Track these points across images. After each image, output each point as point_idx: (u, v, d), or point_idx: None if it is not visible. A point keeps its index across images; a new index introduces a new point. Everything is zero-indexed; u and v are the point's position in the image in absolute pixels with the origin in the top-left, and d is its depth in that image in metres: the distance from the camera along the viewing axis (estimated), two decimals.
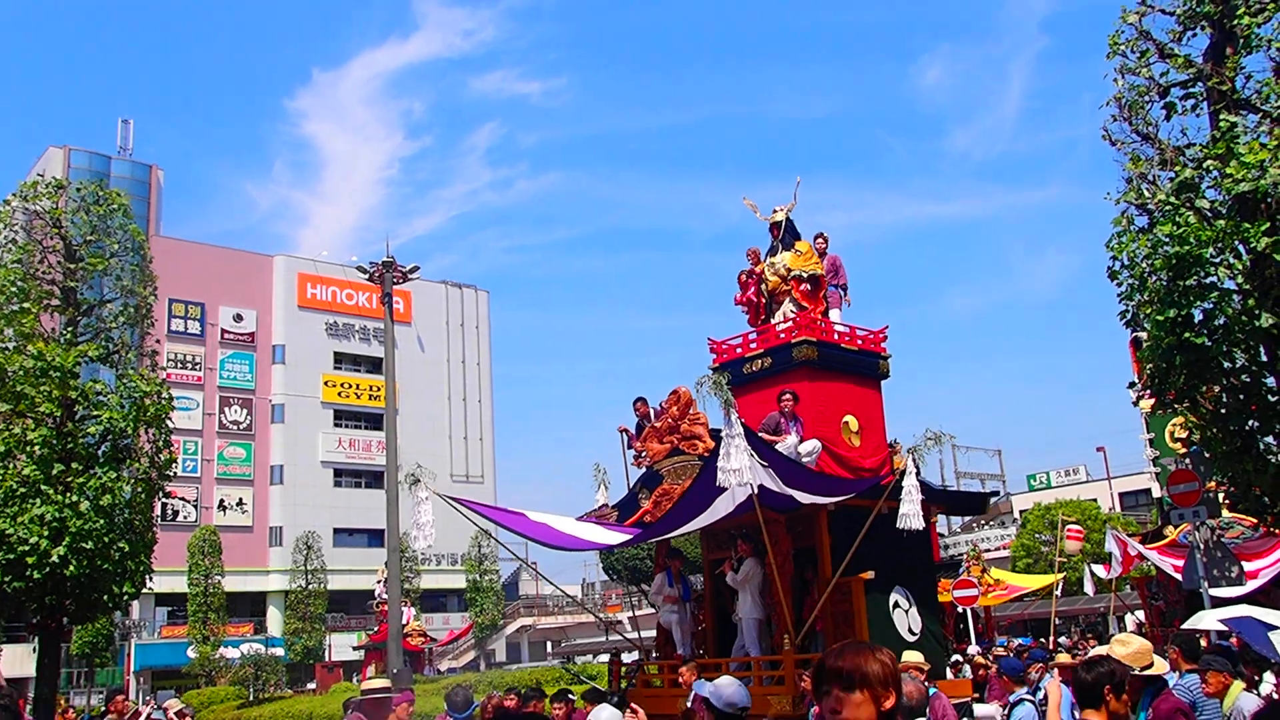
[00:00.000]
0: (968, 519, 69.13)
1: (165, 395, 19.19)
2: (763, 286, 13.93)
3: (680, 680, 10.12)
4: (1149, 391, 13.40)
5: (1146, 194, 12.08)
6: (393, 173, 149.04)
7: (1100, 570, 23.52)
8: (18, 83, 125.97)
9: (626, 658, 15.07)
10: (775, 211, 14.18)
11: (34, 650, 21.52)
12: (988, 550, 44.75)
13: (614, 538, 12.90)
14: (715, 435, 11.14)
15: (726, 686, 5.64)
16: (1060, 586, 26.09)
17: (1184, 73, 12.35)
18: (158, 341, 23.46)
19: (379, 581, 38.32)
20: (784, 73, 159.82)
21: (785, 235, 13.93)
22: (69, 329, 19.14)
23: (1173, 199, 11.52)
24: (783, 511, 11.57)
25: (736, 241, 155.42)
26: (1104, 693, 4.52)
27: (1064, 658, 11.29)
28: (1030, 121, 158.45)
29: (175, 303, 59.35)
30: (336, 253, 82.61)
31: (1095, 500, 51.61)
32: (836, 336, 13.40)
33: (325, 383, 65.98)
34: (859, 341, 13.63)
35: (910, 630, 12.18)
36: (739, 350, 13.57)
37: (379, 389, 62.77)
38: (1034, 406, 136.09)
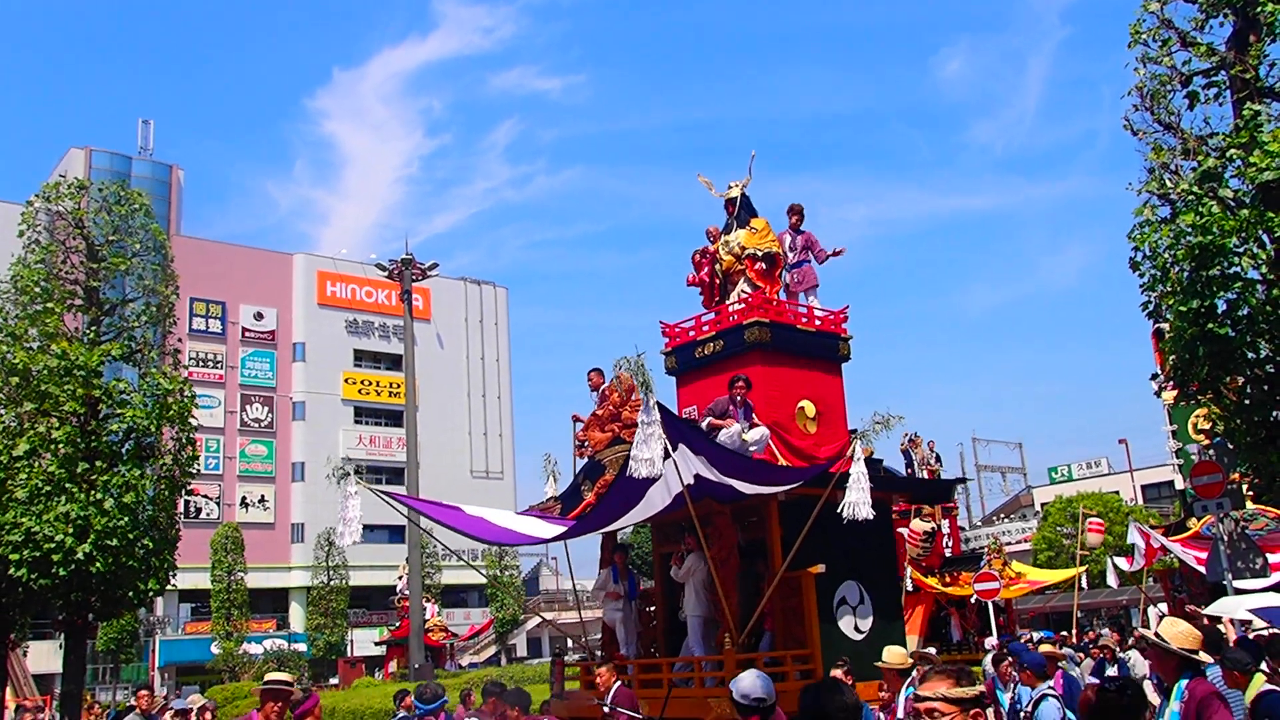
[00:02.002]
0: (989, 512, 68.92)
1: (187, 393, 19.30)
2: (717, 266, 13.17)
3: (597, 681, 9.48)
4: (1172, 383, 13.32)
5: (1169, 184, 12.00)
6: (412, 171, 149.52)
7: (1123, 563, 23.36)
8: (40, 84, 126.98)
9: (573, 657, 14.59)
10: (730, 187, 13.38)
11: (60, 647, 21.69)
12: (1009, 543, 44.54)
13: (549, 531, 12.22)
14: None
15: (746, 679, 5.44)
16: (1083, 579, 25.94)
17: (1206, 61, 12.25)
18: (180, 340, 23.63)
19: (400, 577, 38.51)
20: (803, 68, 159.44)
21: (740, 212, 13.15)
22: (92, 328, 19.28)
23: (1196, 189, 11.43)
24: (727, 502, 10.99)
25: None
26: None
27: (1046, 648, 11.26)
28: (1051, 113, 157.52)
29: (197, 301, 59.71)
30: (356, 251, 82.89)
31: (1117, 493, 51.33)
32: (792, 317, 12.66)
33: (345, 380, 66.27)
34: (816, 322, 12.87)
35: (857, 628, 11.49)
36: (691, 333, 12.87)
37: (399, 386, 63.04)
38: (1055, 399, 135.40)
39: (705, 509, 10.92)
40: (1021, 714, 8.96)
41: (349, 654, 51.23)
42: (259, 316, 64.13)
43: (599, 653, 13.44)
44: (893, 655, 9.02)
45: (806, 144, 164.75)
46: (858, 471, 9.89)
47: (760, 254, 12.76)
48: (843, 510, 9.75)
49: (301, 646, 51.46)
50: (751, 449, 11.30)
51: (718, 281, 13.20)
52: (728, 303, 12.80)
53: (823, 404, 12.46)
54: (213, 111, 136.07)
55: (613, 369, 10.64)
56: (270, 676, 7.85)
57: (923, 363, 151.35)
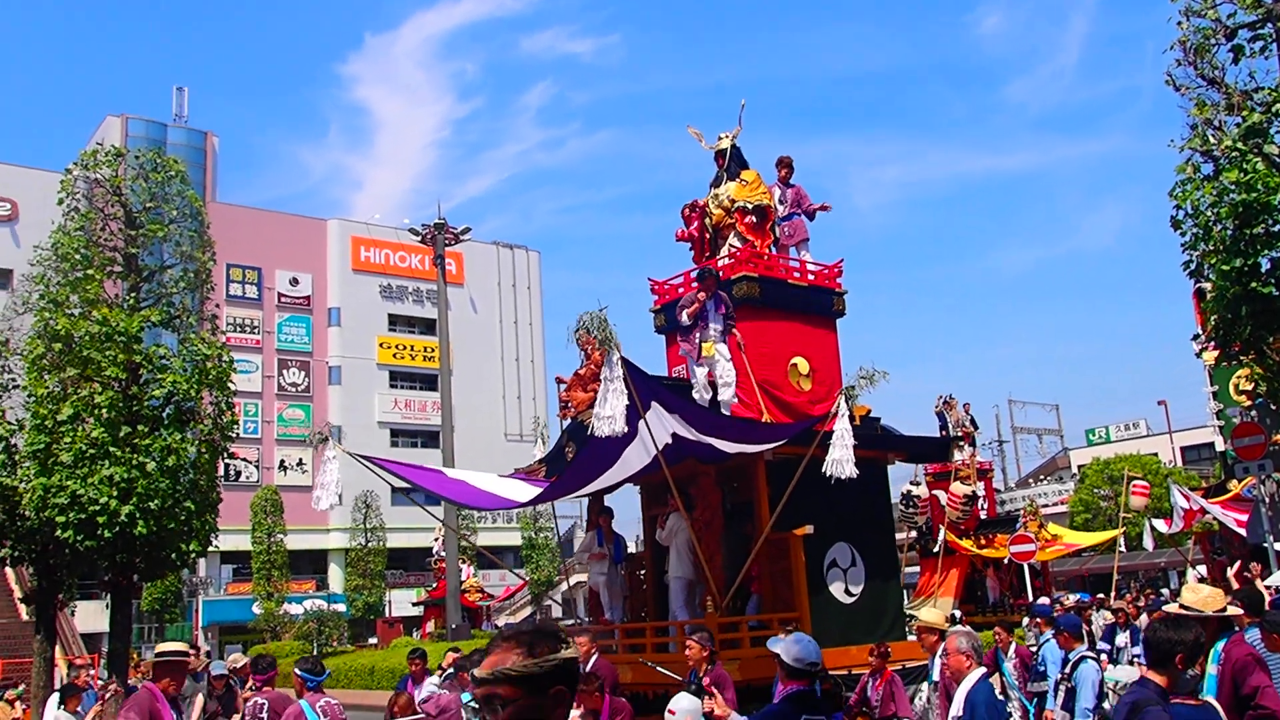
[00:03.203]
0: (1025, 475, 68.54)
1: (226, 358, 19.51)
2: (707, 220, 12.71)
3: (579, 647, 9.37)
4: (1213, 343, 13.14)
5: (1212, 140, 11.78)
6: (445, 135, 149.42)
7: (1161, 525, 23.21)
8: (75, 53, 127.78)
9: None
10: (720, 139, 12.84)
11: (106, 607, 22.17)
12: (1045, 506, 44.30)
13: (529, 494, 11.97)
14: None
15: (795, 643, 5.68)
16: (1120, 542, 25.77)
17: (1252, 13, 11.96)
18: (217, 306, 23.85)
19: (437, 539, 38.92)
20: (836, 26, 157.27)
21: (731, 164, 12.64)
22: (131, 294, 19.51)
23: (1240, 145, 11.21)
24: (711, 463, 10.64)
25: None
26: (1175, 660, 4.29)
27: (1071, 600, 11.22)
28: (1091, 70, 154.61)
29: (233, 267, 60.17)
30: (390, 216, 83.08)
31: (1156, 455, 50.88)
32: (783, 271, 12.19)
33: (380, 344, 66.70)
34: (810, 277, 12.39)
35: (847, 591, 11.15)
36: (680, 290, 12.37)
37: (433, 350, 63.35)
38: (1093, 361, 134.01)
39: (689, 470, 10.63)
40: (1059, 675, 8.94)
41: (387, 614, 51.99)
42: (294, 282, 64.56)
43: (586, 616, 13.23)
44: (931, 615, 8.91)
45: (839, 104, 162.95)
46: (841, 428, 9.48)
47: (751, 206, 12.25)
48: (827, 469, 9.35)
49: (341, 607, 52.10)
50: (729, 400, 10.89)
51: (708, 236, 12.72)
52: (717, 257, 12.32)
53: (816, 360, 12.05)
54: (246, 78, 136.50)
55: (576, 326, 10.17)
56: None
57: (957, 325, 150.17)
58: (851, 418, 11.21)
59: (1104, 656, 12.19)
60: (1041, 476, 67.06)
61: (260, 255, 62.60)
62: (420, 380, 67.71)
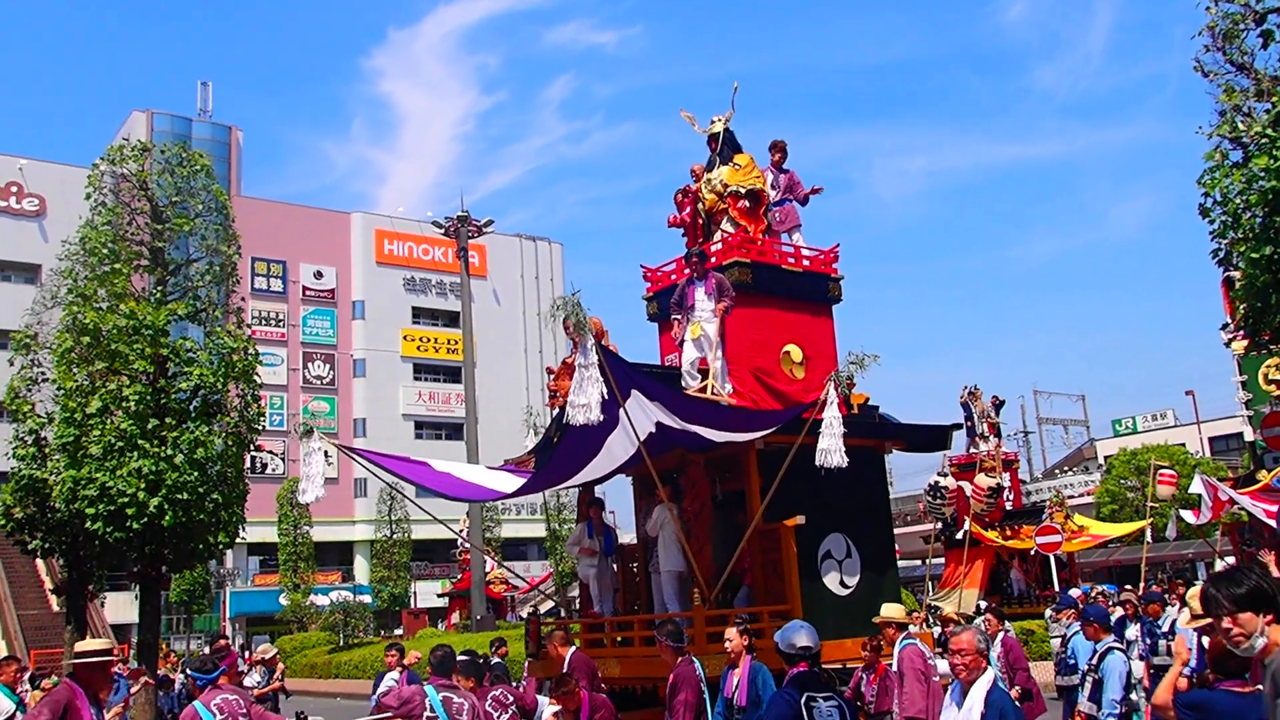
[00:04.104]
0: (1050, 465, 68.13)
1: (252, 351, 19.64)
2: (700, 206, 12.44)
3: (550, 654, 9.03)
4: (1242, 332, 13.01)
5: (1241, 127, 11.65)
6: (468, 128, 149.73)
7: (1189, 516, 23.00)
8: (102, 50, 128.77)
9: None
10: (713, 122, 12.55)
11: (135, 598, 22.41)
12: (1071, 497, 44.01)
13: (516, 485, 11.64)
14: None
15: (791, 630, 6.24)
16: (1149, 533, 25.56)
17: None
18: (243, 299, 23.98)
19: (461, 531, 39.10)
20: (860, 15, 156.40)
21: (724, 148, 12.36)
22: (158, 288, 19.65)
23: (1269, 131, 11.08)
24: (700, 452, 10.39)
25: None
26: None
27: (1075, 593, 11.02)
28: (1118, 56, 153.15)
29: (258, 261, 60.56)
30: (414, 209, 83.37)
31: (1184, 445, 50.43)
32: (776, 257, 11.92)
33: (404, 337, 67.01)
34: (804, 262, 12.09)
35: (843, 583, 10.89)
36: (673, 277, 12.11)
37: (456, 342, 63.58)
38: (1119, 351, 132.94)
39: (677, 459, 10.43)
40: (1086, 667, 8.85)
41: (413, 605, 52.28)
42: (319, 275, 64.93)
43: (577, 611, 12.97)
44: (892, 610, 8.78)
45: (862, 93, 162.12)
46: (830, 416, 9.15)
47: (743, 191, 11.95)
48: (817, 459, 9.08)
49: (366, 598, 52.47)
50: (725, 394, 10.69)
51: (700, 222, 12.49)
52: (710, 243, 12.07)
53: (811, 348, 11.76)
54: (270, 73, 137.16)
55: (551, 310, 10.02)
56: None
57: (982, 315, 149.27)
58: (849, 405, 10.99)
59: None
60: (1067, 468, 66.63)
61: (285, 249, 62.96)
62: (444, 372, 68.00)
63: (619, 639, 11.26)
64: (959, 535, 23.25)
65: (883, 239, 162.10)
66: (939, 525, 24.79)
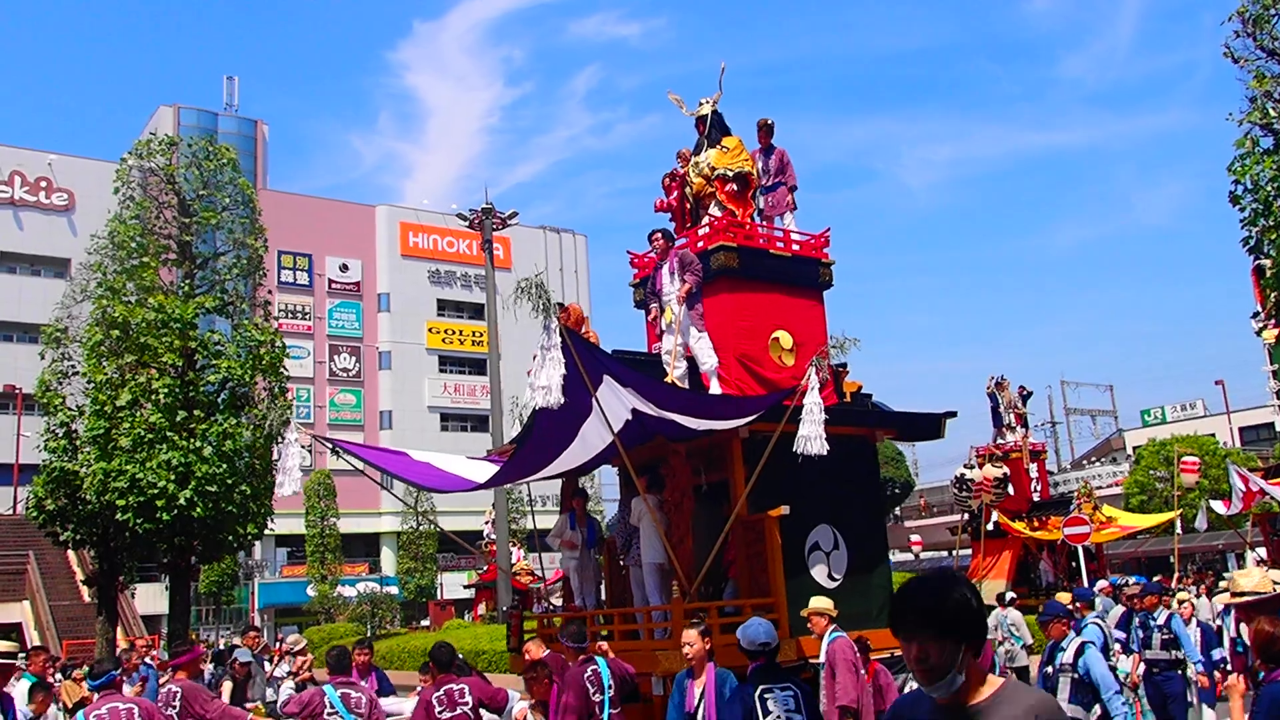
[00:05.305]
0: (1078, 456, 67.64)
1: (279, 344, 19.79)
2: (687, 190, 12.16)
3: (526, 655, 8.91)
4: (1273, 320, 12.87)
5: (1272, 113, 11.51)
6: (494, 121, 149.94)
7: (1220, 506, 22.78)
8: (128, 45, 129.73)
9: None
10: (701, 104, 12.28)
11: (166, 589, 22.63)
12: (1099, 487, 43.71)
13: (488, 474, 11.41)
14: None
15: (750, 627, 6.54)
16: (1179, 524, 25.35)
17: None
18: (269, 292, 24.15)
19: (487, 522, 39.22)
20: (885, 4, 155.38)
21: (712, 131, 12.07)
22: (186, 281, 19.83)
23: None
24: (678, 440, 10.08)
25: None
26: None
27: (1065, 596, 10.69)
28: (1146, 44, 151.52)
29: (284, 254, 60.85)
30: (439, 202, 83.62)
31: (1214, 435, 49.95)
32: (764, 241, 11.63)
33: (429, 329, 67.22)
34: (794, 247, 11.78)
35: (831, 576, 10.55)
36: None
37: (481, 334, 63.74)
38: (1148, 340, 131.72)
39: (658, 449, 10.20)
40: (1058, 665, 8.05)
41: (439, 597, 52.52)
42: (344, 268, 65.21)
43: (556, 603, 12.98)
44: (820, 603, 8.54)
45: (888, 82, 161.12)
46: (810, 402, 8.84)
47: (731, 174, 11.65)
48: (797, 446, 8.77)
49: (394, 589, 52.79)
50: (706, 373, 10.44)
51: (688, 206, 12.23)
52: (697, 227, 11.80)
53: (801, 334, 11.42)
54: (296, 67, 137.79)
55: (514, 292, 9.66)
56: None
57: (1009, 305, 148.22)
58: (840, 393, 10.89)
59: (1118, 646, 11.48)
60: (1095, 458, 66.12)
61: (310, 242, 63.26)
62: (469, 364, 68.18)
63: (604, 633, 10.86)
64: (988, 527, 23.14)
65: (908, 228, 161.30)
66: (965, 516, 24.68)
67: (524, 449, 10.46)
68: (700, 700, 6.74)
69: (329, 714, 7.54)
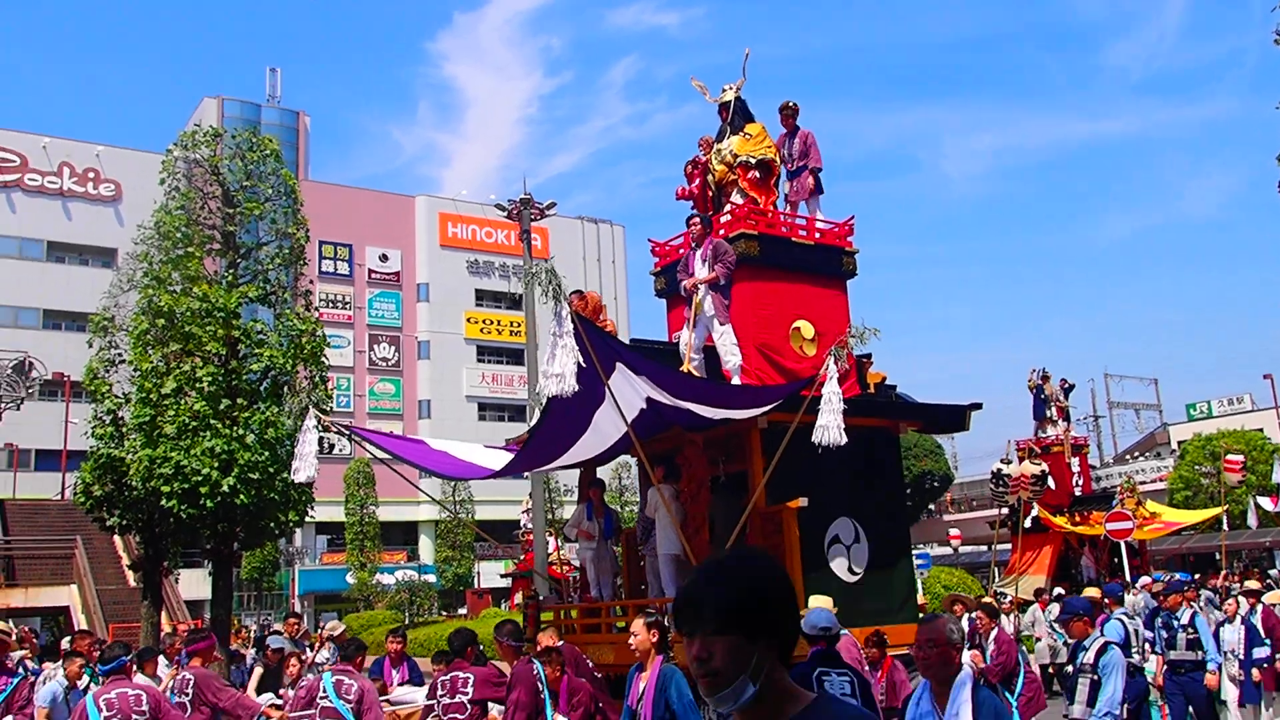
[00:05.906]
0: (1122, 451, 66.77)
1: (320, 334, 19.96)
2: (710, 178, 12.02)
3: (539, 645, 8.84)
4: None
5: None
6: (532, 111, 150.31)
7: (1266, 503, 22.42)
8: (173, 38, 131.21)
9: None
10: (724, 91, 12.15)
11: (208, 575, 22.93)
12: (1143, 483, 43.12)
13: (502, 462, 11.34)
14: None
15: (813, 613, 6.77)
16: (1223, 520, 24.95)
17: None
18: (311, 282, 24.35)
19: (524, 512, 39.38)
20: None
21: (735, 118, 11.92)
22: (230, 271, 20.04)
23: None
24: (695, 430, 9.93)
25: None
26: None
27: (1091, 591, 10.44)
28: (1194, 31, 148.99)
29: (325, 244, 61.36)
30: (478, 193, 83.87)
31: (1261, 430, 49.01)
32: (786, 229, 11.42)
33: (468, 319, 67.54)
34: (816, 235, 11.56)
35: (851, 569, 10.36)
36: (681, 250, 11.61)
37: (519, 325, 63.92)
38: (1194, 333, 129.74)
39: (675, 439, 10.09)
40: (1079, 665, 7.68)
41: (476, 585, 52.85)
42: (384, 258, 65.64)
43: (573, 595, 12.79)
44: (820, 600, 8.27)
45: (930, 71, 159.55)
46: (829, 391, 8.64)
47: (754, 161, 11.51)
48: (815, 436, 8.60)
49: (431, 577, 53.15)
50: (731, 361, 10.26)
51: (710, 194, 12.09)
52: (719, 215, 11.63)
53: (823, 324, 11.19)
54: (337, 59, 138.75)
55: (523, 280, 9.52)
56: None
57: (1052, 296, 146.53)
58: (863, 384, 10.75)
59: (1147, 646, 11.13)
60: (1139, 453, 65.25)
61: (351, 232, 63.73)
62: (507, 354, 68.45)
63: (618, 625, 10.85)
64: (1026, 522, 22.91)
65: (950, 218, 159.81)
66: (1005, 511, 24.44)
67: (537, 437, 10.36)
68: (641, 697, 6.51)
69: (321, 698, 7.82)
